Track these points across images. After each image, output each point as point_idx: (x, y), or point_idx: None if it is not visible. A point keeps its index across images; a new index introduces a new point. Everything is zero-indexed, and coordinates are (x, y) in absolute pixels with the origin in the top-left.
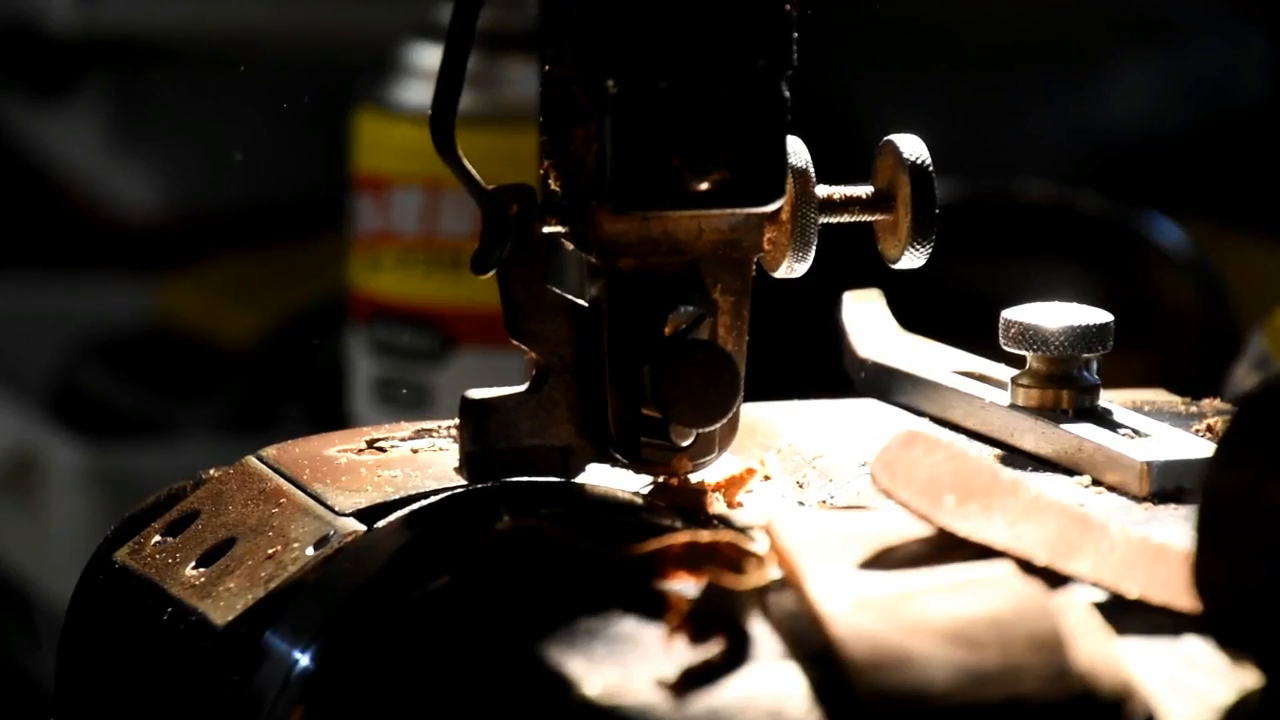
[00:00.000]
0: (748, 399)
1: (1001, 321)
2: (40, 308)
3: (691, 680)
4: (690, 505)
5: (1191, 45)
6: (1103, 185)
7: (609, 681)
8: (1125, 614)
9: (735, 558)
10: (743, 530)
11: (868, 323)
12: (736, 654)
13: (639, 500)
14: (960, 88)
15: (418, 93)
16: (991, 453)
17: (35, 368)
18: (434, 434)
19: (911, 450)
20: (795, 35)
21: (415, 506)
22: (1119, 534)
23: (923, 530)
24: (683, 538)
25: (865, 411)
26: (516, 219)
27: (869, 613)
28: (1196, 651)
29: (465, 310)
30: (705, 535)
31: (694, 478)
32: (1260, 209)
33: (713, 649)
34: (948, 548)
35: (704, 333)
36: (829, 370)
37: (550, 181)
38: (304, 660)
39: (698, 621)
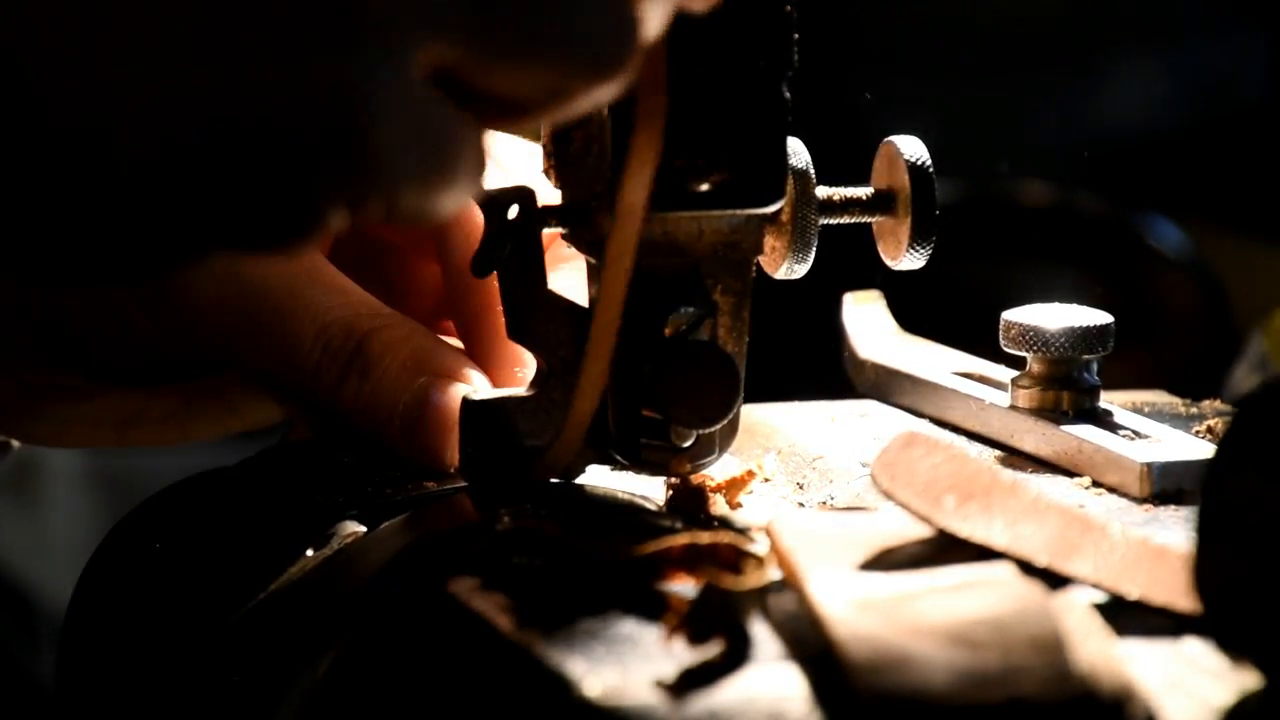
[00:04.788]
0: (748, 400)
1: (1002, 323)
2: None
3: (691, 681)
4: (692, 507)
5: (1191, 48)
6: (1102, 187)
7: (609, 682)
8: (1125, 615)
9: (734, 559)
10: (742, 531)
11: (868, 324)
12: (736, 655)
13: (639, 501)
14: (960, 89)
15: None
16: (991, 454)
17: None
18: None
19: (911, 451)
20: (796, 36)
21: (415, 507)
22: (1119, 535)
23: (923, 531)
24: (682, 539)
25: (865, 412)
26: (517, 221)
27: (869, 614)
28: (1197, 653)
29: None
30: (705, 536)
31: (695, 479)
32: (1260, 211)
33: (712, 650)
34: (948, 549)
35: (704, 334)
36: (829, 371)
37: (551, 183)
38: (305, 661)
39: (697, 622)
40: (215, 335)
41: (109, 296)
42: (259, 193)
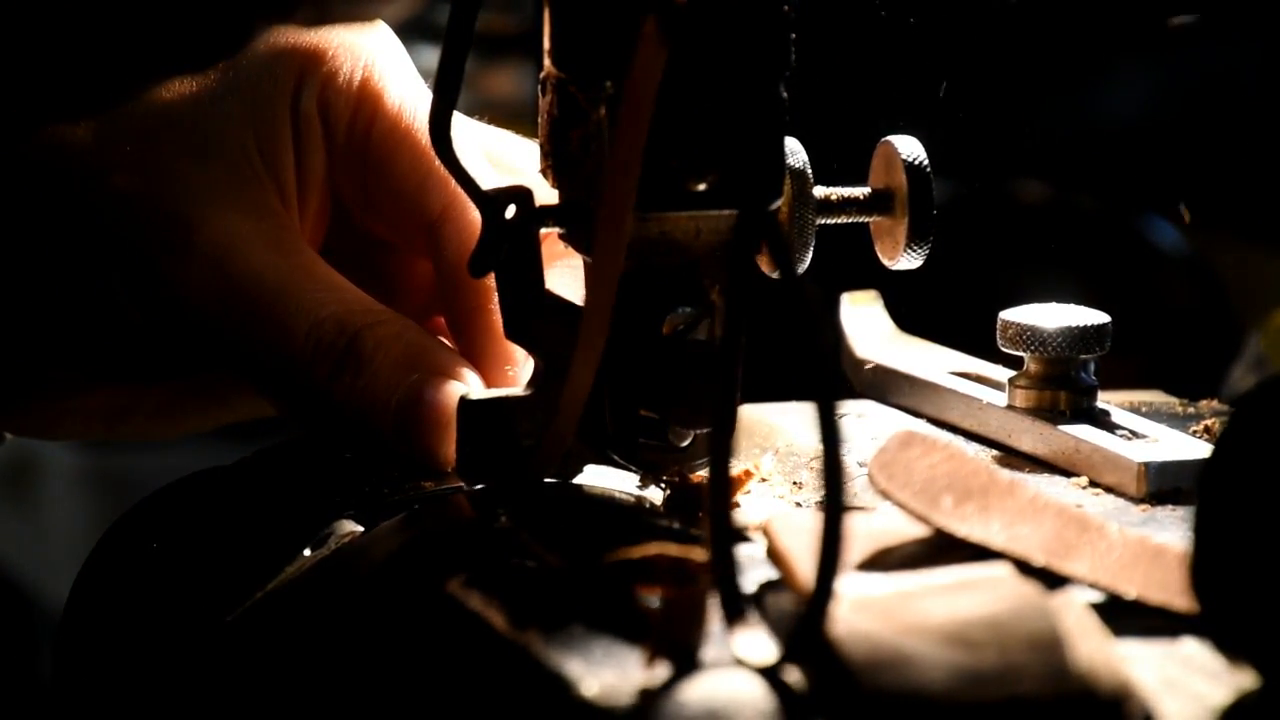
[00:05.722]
0: (745, 400)
1: (999, 322)
2: None
3: (679, 682)
4: (690, 507)
5: (1190, 48)
6: (1101, 187)
7: (606, 682)
8: (1123, 615)
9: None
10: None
11: (865, 324)
12: (698, 661)
13: (632, 502)
14: (960, 89)
15: None
16: (989, 454)
17: None
18: None
19: (909, 451)
20: (794, 36)
21: (413, 507)
22: (1116, 535)
23: (920, 531)
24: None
25: (862, 413)
26: (514, 221)
27: (867, 613)
28: (1194, 652)
29: None
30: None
31: (692, 478)
32: (1258, 212)
33: (687, 658)
34: (945, 548)
35: (702, 333)
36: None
37: (549, 182)
38: (302, 661)
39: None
40: (207, 332)
41: (104, 292)
42: None
